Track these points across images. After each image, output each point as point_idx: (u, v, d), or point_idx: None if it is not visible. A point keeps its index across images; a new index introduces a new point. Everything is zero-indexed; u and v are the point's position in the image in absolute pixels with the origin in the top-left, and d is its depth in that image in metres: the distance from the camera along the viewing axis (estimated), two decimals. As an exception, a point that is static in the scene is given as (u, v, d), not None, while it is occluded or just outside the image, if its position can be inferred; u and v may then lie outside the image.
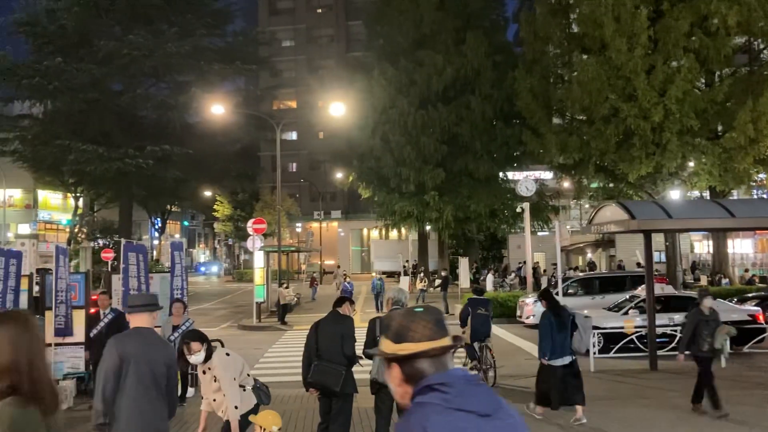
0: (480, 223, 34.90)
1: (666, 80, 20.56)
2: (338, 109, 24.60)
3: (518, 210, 30.15)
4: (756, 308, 14.47)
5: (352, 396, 6.19)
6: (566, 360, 8.17)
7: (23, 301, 10.55)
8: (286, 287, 23.22)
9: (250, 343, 17.27)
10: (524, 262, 26.54)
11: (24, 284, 10.72)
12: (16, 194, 56.26)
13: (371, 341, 6.04)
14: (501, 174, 34.33)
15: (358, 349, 6.22)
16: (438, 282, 29.25)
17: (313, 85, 54.60)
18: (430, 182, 31.45)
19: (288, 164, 58.01)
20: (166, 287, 10.98)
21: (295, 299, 25.23)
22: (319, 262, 48.97)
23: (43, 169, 40.55)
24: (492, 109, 31.54)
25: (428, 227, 37.08)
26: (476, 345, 10.70)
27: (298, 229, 54.66)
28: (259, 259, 22.49)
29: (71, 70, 32.78)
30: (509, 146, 32.17)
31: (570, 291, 19.10)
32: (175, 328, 9.46)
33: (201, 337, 5.29)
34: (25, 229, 56.15)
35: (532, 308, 19.20)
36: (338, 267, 42.37)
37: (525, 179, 23.80)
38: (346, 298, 6.71)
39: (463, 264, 27.33)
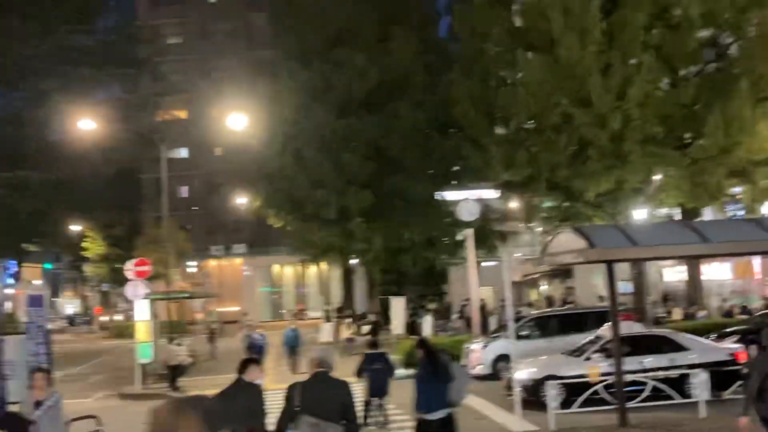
0: (416, 254, 35.22)
1: (624, 81, 21.34)
2: (239, 120, 24.52)
3: (459, 238, 30.70)
4: (737, 346, 15.14)
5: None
6: (441, 414, 8.68)
7: None
8: (178, 344, 22.75)
9: (135, 416, 16.74)
10: (468, 300, 26.93)
11: None
12: None
13: (288, 414, 6.01)
14: (439, 195, 34.88)
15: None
16: (367, 329, 29.27)
17: (208, 91, 54.14)
18: (355, 207, 31.61)
19: (177, 188, 57.08)
20: (21, 351, 10.61)
21: (190, 358, 24.71)
22: (220, 310, 48.23)
23: None
24: (425, 118, 32.03)
25: (354, 261, 37.16)
26: (375, 402, 11.86)
27: (192, 270, 53.73)
28: (142, 310, 21.99)
29: None
30: (447, 161, 32.69)
31: (523, 332, 19.49)
32: (38, 404, 9.13)
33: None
34: None
35: (480, 355, 19.53)
36: (244, 315, 41.79)
37: (466, 201, 24.23)
38: (251, 360, 6.67)
39: (397, 305, 27.56)
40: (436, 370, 8.84)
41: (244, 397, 6.24)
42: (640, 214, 23.70)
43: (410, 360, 21.73)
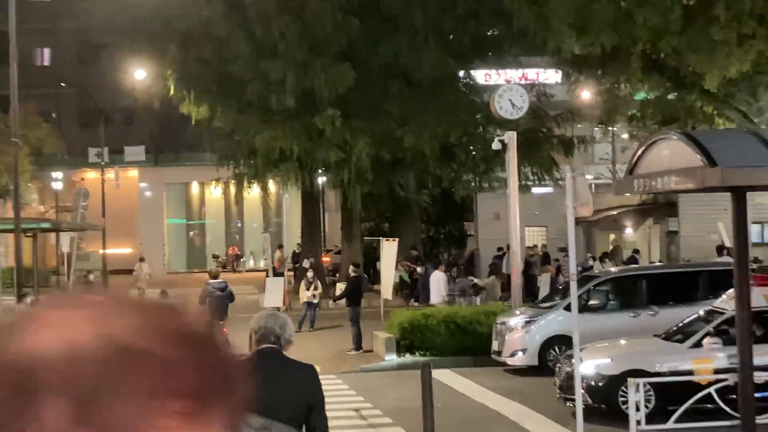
0: (422, 170, 35.08)
1: None
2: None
3: (495, 146, 30.58)
4: None
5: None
6: None
7: None
8: (31, 300, 22.86)
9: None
10: (507, 247, 26.95)
11: None
12: None
13: None
14: (463, 74, 34.63)
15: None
16: (341, 287, 29.31)
17: None
18: (327, 90, 31.36)
19: (36, 51, 56.47)
20: None
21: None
22: (102, 251, 48.29)
23: None
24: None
25: (323, 180, 37.10)
26: None
27: (58, 185, 53.46)
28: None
29: None
30: (479, 20, 32.38)
31: (593, 301, 19.53)
32: None
33: None
34: None
35: (521, 335, 19.58)
36: (141, 260, 41.87)
37: (509, 86, 24.08)
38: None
39: (389, 251, 27.42)
40: None
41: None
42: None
43: (404, 340, 21.94)
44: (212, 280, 23.81)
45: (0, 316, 22.48)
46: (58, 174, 52.91)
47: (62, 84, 56.38)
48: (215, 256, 58.37)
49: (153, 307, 1.04)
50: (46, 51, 58.94)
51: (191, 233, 60.97)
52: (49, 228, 37.54)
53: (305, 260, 35.75)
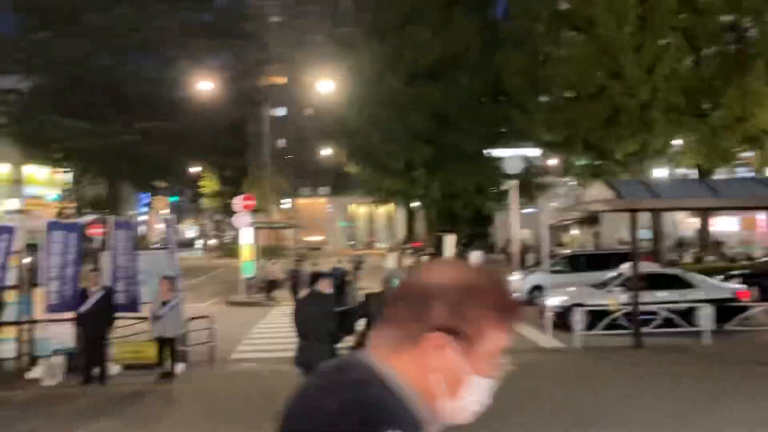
0: (466, 200, 34.91)
1: (654, 58, 20.49)
2: (326, 85, 24.42)
3: (504, 187, 30.24)
4: (739, 286, 14.60)
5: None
6: None
7: (9, 279, 10.37)
8: (274, 263, 23.16)
9: (238, 318, 17.24)
10: (510, 239, 26.63)
11: (14, 261, 10.55)
12: (3, 170, 55.55)
13: (363, 311, 6.03)
14: (487, 151, 34.27)
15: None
16: (425, 259, 29.22)
17: (301, 61, 54.07)
18: (418, 159, 31.34)
19: (276, 140, 57.53)
20: (155, 265, 10.88)
21: (283, 275, 25.19)
22: (307, 238, 48.89)
23: (30, 145, 40.03)
24: (479, 86, 31.34)
25: (415, 204, 37.05)
26: None
27: (287, 206, 54.56)
28: (246, 236, 22.38)
29: (59, 44, 32.28)
30: (496, 123, 32.05)
31: (556, 268, 19.14)
32: (164, 303, 9.41)
33: None
34: (12, 204, 55.55)
35: (519, 285, 19.25)
36: (327, 244, 42.34)
37: (512, 157, 23.76)
38: (321, 273, 6.63)
39: (448, 241, 27.30)
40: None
41: (317, 303, 6.23)
42: (661, 172, 22.85)
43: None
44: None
45: (258, 269, 22.83)
46: (286, 200, 53.81)
47: (288, 156, 57.33)
48: (361, 242, 58.90)
49: (474, 267, 1.21)
50: (282, 140, 60.04)
51: (350, 230, 61.40)
52: (281, 226, 38.13)
53: (407, 245, 35.80)
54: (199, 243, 71.40)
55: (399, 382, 1.10)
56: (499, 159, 32.81)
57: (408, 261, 28.03)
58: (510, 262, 25.99)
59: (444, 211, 36.80)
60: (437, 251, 29.84)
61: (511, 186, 22.49)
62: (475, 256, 27.72)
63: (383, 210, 51.72)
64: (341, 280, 14.54)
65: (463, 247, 34.46)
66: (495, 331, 1.15)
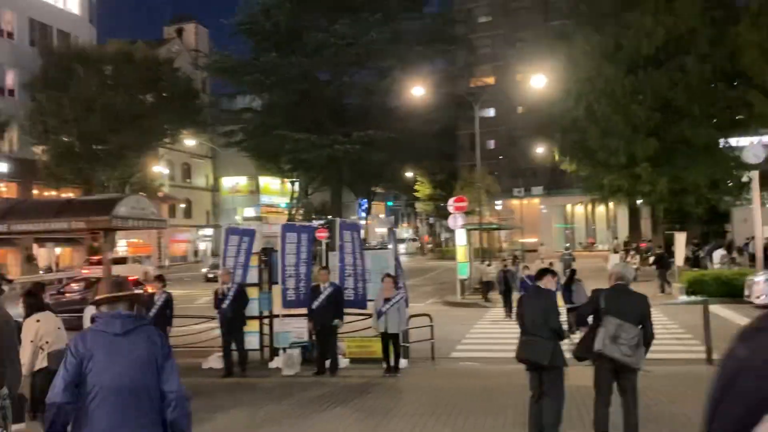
0: (699, 195, 32.14)
1: None
2: (539, 81, 23.97)
3: (744, 179, 27.22)
4: None
5: (562, 369, 6.09)
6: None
7: (251, 277, 11.62)
8: (488, 265, 23.22)
9: (455, 318, 17.56)
10: (752, 238, 23.98)
11: (253, 261, 11.81)
12: (242, 181, 62.50)
13: (590, 308, 5.89)
14: (723, 141, 31.19)
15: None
16: (651, 260, 27.46)
17: (511, 60, 53.71)
18: (642, 153, 29.46)
19: (486, 141, 57.57)
20: (377, 264, 11.50)
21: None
22: (521, 240, 48.27)
23: (264, 158, 44.50)
24: (711, 70, 28.68)
25: (639, 201, 34.86)
26: None
27: (498, 207, 54.37)
28: (460, 237, 22.71)
29: (285, 64, 35.52)
30: (732, 109, 29.12)
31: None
32: (387, 300, 9.90)
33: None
34: (250, 212, 62.31)
35: (763, 287, 17.38)
36: (541, 245, 41.50)
37: (753, 145, 21.33)
38: (547, 270, 6.57)
39: (679, 240, 25.33)
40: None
41: (542, 299, 6.23)
42: None
43: (692, 288, 20.20)
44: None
45: (473, 270, 23.05)
46: (498, 201, 53.76)
47: (500, 157, 57.15)
48: (580, 243, 56.84)
49: None
50: (492, 141, 59.98)
51: (567, 231, 59.45)
52: (495, 227, 38.00)
53: (631, 245, 33.87)
54: (414, 245, 73.92)
55: None
56: (736, 148, 29.75)
57: (633, 262, 26.56)
58: (752, 262, 23.45)
59: (672, 208, 34.28)
60: (666, 251, 27.79)
61: (752, 178, 20.23)
62: (718, 257, 25.48)
63: (602, 209, 49.40)
64: (570, 277, 14.40)
65: (695, 247, 31.81)
66: None
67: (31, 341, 6.05)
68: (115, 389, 3.23)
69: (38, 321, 6.54)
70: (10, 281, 11.68)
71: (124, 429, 3.22)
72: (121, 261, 39.85)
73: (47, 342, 6.55)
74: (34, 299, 6.80)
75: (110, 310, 3.45)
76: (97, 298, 3.60)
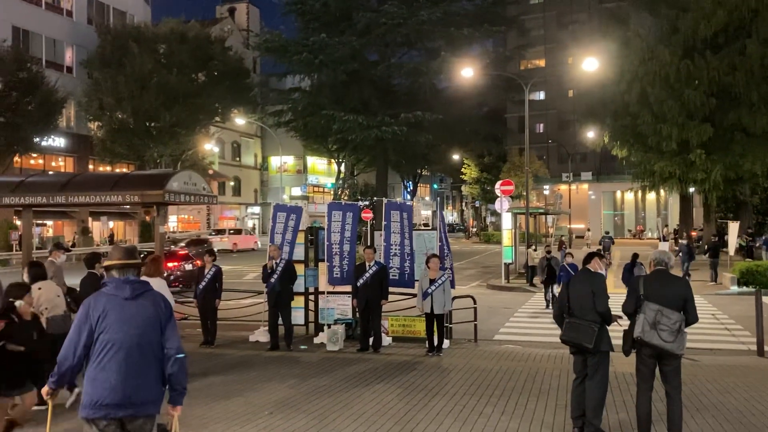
0: (754, 184, 31.10)
1: None
2: (591, 64, 23.46)
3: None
4: None
5: (608, 354, 6.04)
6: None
7: (297, 254, 11.78)
8: (535, 249, 23.02)
9: (500, 302, 17.51)
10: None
11: (300, 238, 11.97)
12: (290, 161, 63.15)
13: (633, 298, 5.79)
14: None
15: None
16: (705, 248, 26.79)
17: (563, 42, 52.74)
18: (695, 139, 28.63)
19: (535, 125, 56.85)
20: (422, 243, 11.54)
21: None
22: (568, 226, 47.64)
23: (311, 138, 44.80)
24: (773, 55, 27.57)
25: (692, 189, 33.96)
26: None
27: (546, 192, 53.72)
28: (506, 221, 22.54)
29: (334, 44, 35.50)
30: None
31: None
32: (432, 281, 9.94)
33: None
34: (296, 191, 63.01)
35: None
36: (588, 230, 40.89)
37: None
38: (595, 253, 6.50)
39: (733, 229, 24.68)
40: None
41: (589, 281, 6.16)
42: None
43: (744, 278, 19.69)
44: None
45: (519, 254, 22.85)
46: (545, 186, 53.08)
47: (549, 141, 56.32)
48: (629, 230, 55.89)
49: None
50: (541, 124, 59.13)
51: (615, 218, 58.46)
52: (542, 212, 37.66)
53: (682, 234, 33.05)
54: (459, 228, 73.65)
55: None
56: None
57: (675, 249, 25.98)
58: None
59: (726, 196, 33.30)
60: (719, 240, 27.09)
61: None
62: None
63: (652, 197, 48.33)
64: (633, 260, 14.58)
65: (749, 237, 30.93)
66: None
67: (32, 307, 6.50)
68: (127, 346, 3.69)
69: (40, 289, 7.14)
70: (68, 250, 12.16)
71: (134, 379, 3.67)
72: (237, 232, 44.71)
73: (46, 308, 7.16)
74: (38, 269, 7.46)
75: (120, 275, 3.86)
76: (107, 263, 3.97)
